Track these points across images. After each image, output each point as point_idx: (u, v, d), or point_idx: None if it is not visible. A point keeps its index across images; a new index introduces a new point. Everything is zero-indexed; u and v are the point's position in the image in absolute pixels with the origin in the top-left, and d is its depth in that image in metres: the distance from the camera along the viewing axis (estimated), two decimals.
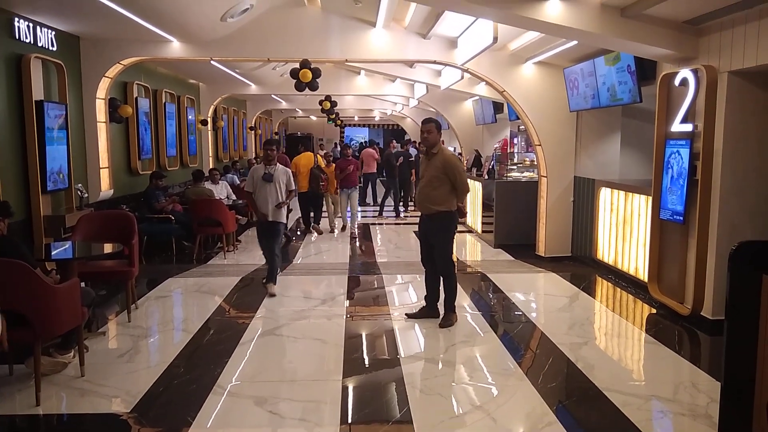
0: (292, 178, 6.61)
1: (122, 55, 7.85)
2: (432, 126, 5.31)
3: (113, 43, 7.76)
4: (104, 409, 3.80)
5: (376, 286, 7.11)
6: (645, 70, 6.35)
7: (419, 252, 5.76)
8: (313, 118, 27.05)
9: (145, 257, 7.90)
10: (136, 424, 3.57)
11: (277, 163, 6.53)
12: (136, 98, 9.24)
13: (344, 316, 5.76)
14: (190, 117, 11.99)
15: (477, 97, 12.43)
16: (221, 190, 9.74)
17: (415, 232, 5.64)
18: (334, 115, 18.27)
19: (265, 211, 6.39)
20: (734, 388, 2.98)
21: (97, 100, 7.76)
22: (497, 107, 12.03)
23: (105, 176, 7.95)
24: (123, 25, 6.96)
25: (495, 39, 6.34)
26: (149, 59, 8.30)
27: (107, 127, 8.02)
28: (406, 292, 6.87)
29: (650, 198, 6.13)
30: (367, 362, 4.66)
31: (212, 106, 13.65)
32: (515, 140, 13.26)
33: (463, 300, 6.27)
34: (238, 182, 11.59)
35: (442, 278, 5.50)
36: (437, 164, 5.25)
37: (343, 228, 11.11)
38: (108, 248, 5.04)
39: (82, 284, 4.56)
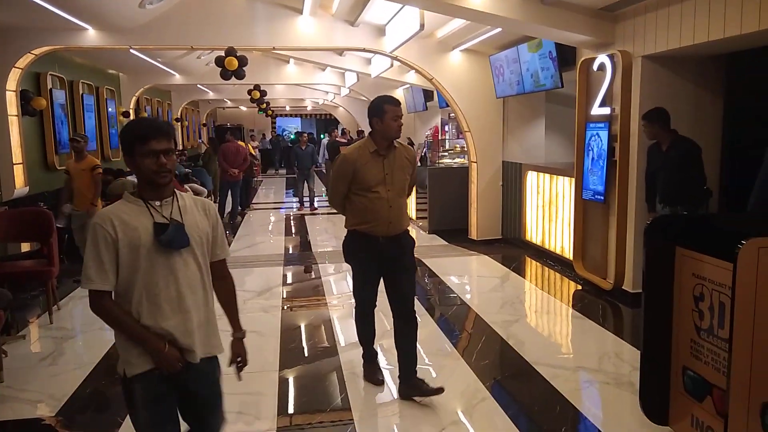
0: (219, 217, 2.46)
1: (33, 44, 7.38)
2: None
3: (22, 31, 7.28)
4: (27, 415, 3.62)
5: (312, 276, 7.07)
6: (566, 56, 6.57)
7: (366, 296, 3.92)
8: (243, 108, 26.46)
9: (67, 256, 7.52)
10: (62, 428, 3.42)
11: (176, 188, 2.35)
12: (51, 90, 8.74)
13: (281, 308, 5.70)
14: (110, 109, 11.46)
15: (407, 85, 12.53)
16: None
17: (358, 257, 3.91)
18: (264, 105, 17.95)
19: (183, 336, 2.25)
20: (652, 355, 3.16)
21: (6, 92, 7.27)
22: (427, 95, 12.17)
23: (19, 172, 7.48)
24: (32, 12, 6.53)
25: (422, 26, 6.39)
26: (63, 48, 7.86)
27: (19, 121, 7.54)
28: (344, 281, 6.87)
29: (573, 179, 6.38)
30: (305, 352, 4.64)
31: (134, 98, 13.09)
32: (446, 127, 13.45)
33: None
34: None
35: (408, 323, 3.85)
36: (404, 163, 3.72)
37: None
38: (25, 247, 4.77)
39: None
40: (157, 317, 2.17)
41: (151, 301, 2.17)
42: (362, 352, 4.07)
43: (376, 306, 3.98)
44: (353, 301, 4.02)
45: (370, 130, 3.66)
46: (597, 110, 5.78)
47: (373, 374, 4.02)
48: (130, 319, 2.15)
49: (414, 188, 3.98)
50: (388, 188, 3.64)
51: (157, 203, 2.22)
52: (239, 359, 2.52)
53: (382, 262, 3.76)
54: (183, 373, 2.23)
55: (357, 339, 4.06)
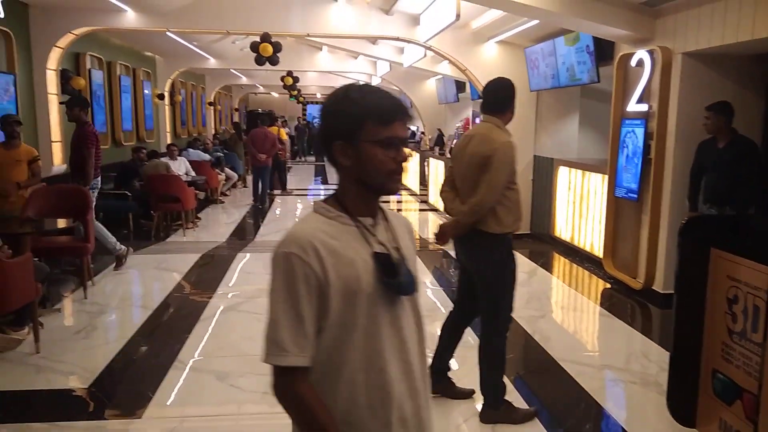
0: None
1: (74, 25, 7.54)
2: None
3: (64, 11, 7.44)
4: (61, 386, 3.73)
5: None
6: (603, 50, 6.46)
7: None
8: (275, 94, 26.64)
9: None
10: (93, 400, 3.52)
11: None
12: (90, 70, 8.93)
13: None
14: (146, 91, 11.67)
15: (440, 76, 12.45)
16: (179, 166, 9.55)
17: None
18: (295, 92, 18.03)
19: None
20: (682, 356, 3.12)
21: (47, 71, 7.46)
22: (460, 86, 12.07)
23: (57, 150, 7.68)
24: None
25: (457, 16, 6.34)
26: (102, 29, 8.02)
27: (59, 100, 7.73)
28: None
29: (606, 176, 6.29)
30: None
31: (169, 80, 13.29)
32: (477, 119, 13.34)
33: (425, 276, 6.35)
34: (209, 157, 11.58)
35: (468, 324, 3.69)
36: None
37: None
38: (61, 224, 4.90)
39: (36, 260, 4.44)
40: (386, 409, 1.29)
41: (376, 385, 1.28)
42: (500, 393, 3.34)
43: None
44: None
45: (501, 113, 3.30)
46: (634, 107, 5.68)
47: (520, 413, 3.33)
48: (330, 420, 1.26)
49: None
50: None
51: (370, 221, 1.35)
52: None
53: None
54: None
55: (493, 380, 3.33)
